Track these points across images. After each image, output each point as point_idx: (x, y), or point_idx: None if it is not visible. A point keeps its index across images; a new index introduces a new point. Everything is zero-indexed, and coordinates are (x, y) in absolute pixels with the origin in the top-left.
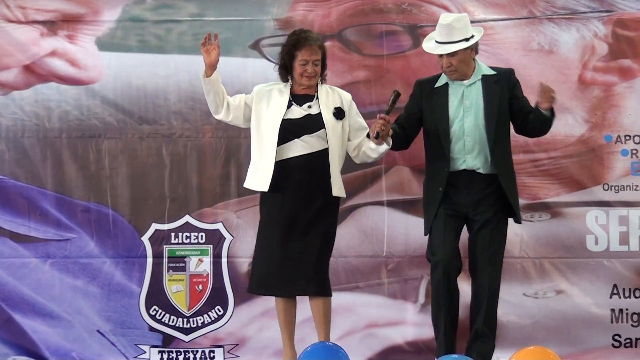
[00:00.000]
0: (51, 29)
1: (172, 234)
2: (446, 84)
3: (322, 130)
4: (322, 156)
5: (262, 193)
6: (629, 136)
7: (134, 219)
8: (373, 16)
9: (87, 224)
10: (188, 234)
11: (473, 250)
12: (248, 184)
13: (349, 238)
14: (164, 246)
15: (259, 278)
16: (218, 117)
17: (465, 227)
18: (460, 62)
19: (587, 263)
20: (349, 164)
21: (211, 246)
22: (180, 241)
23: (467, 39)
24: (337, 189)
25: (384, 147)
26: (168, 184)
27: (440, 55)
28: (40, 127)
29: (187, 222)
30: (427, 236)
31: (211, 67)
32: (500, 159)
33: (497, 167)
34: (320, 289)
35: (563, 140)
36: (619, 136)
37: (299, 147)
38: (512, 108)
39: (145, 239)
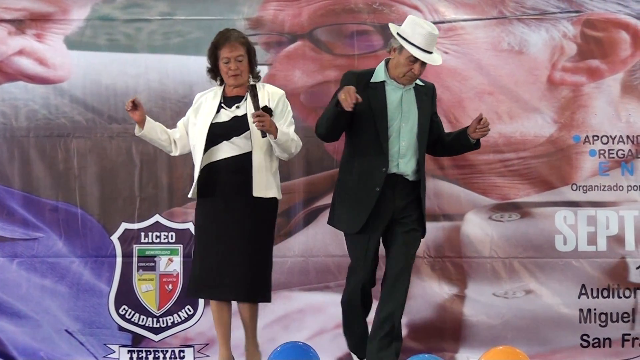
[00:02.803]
0: (19, 28)
1: (142, 234)
2: (383, 82)
3: (248, 131)
4: (248, 158)
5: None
6: (597, 137)
7: (103, 218)
8: (344, 16)
9: (56, 223)
10: (158, 234)
11: (393, 251)
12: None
13: (319, 238)
14: (134, 245)
15: (192, 282)
16: (175, 155)
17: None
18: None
19: (556, 263)
20: (323, 165)
21: (181, 246)
22: (150, 240)
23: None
24: (261, 189)
25: (274, 140)
26: (138, 184)
27: (415, 62)
28: (7, 126)
29: (157, 222)
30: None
31: (141, 123)
32: (422, 169)
33: (420, 177)
34: (247, 295)
35: (532, 140)
36: (587, 136)
37: (227, 149)
38: (431, 124)
39: (114, 238)
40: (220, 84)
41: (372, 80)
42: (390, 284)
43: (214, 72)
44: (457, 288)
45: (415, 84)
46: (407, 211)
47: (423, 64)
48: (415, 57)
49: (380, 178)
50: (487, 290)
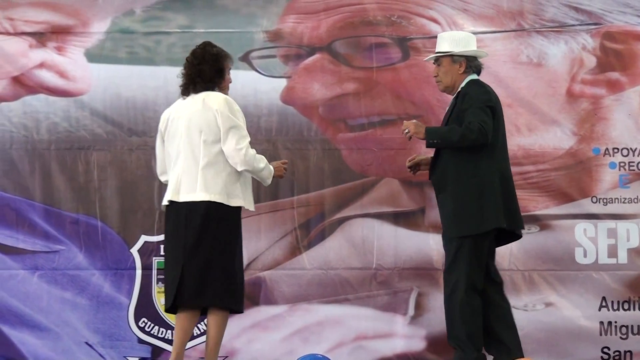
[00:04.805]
0: (40, 41)
1: (162, 246)
2: None
3: None
4: None
5: None
6: (617, 149)
7: (123, 231)
8: (362, 28)
9: (76, 236)
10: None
11: None
12: None
13: (338, 250)
14: (153, 258)
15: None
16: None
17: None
18: (444, 74)
19: (576, 276)
20: (342, 177)
21: None
22: None
23: (449, 51)
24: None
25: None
26: (157, 196)
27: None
28: (28, 138)
29: None
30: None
31: None
32: (438, 177)
33: (434, 186)
34: (198, 302)
35: (552, 152)
36: (607, 149)
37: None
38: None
39: (134, 250)
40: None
41: None
42: None
43: (215, 81)
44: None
45: (457, 91)
46: None
47: (436, 65)
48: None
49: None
50: None
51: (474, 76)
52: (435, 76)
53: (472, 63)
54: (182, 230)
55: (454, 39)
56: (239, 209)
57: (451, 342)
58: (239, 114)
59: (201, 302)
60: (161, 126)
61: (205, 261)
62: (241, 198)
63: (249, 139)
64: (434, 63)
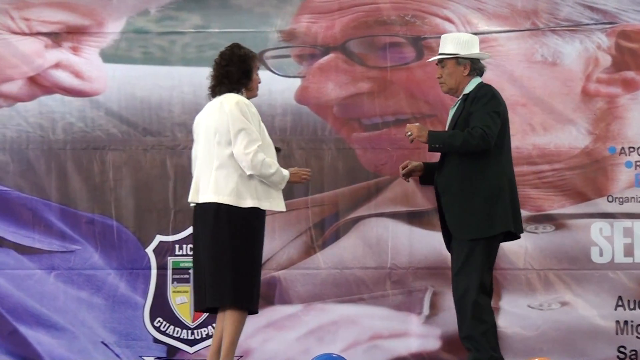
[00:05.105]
0: (55, 41)
1: (177, 246)
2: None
3: None
4: None
5: None
6: (633, 148)
7: (138, 231)
8: (377, 28)
9: (92, 236)
10: (192, 246)
11: None
12: None
13: (353, 249)
14: (168, 258)
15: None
16: None
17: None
18: (448, 76)
19: (592, 275)
20: (356, 177)
21: None
22: (184, 253)
23: (455, 54)
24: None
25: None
26: (172, 196)
27: (438, 67)
28: (44, 138)
29: (191, 234)
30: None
31: None
32: (444, 179)
33: (439, 187)
34: (213, 301)
35: (567, 152)
36: (622, 148)
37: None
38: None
39: (149, 250)
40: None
41: None
42: None
43: (242, 82)
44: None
45: (464, 94)
46: None
47: (439, 66)
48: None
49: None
50: (521, 302)
51: (478, 79)
52: (438, 77)
53: (476, 65)
54: (201, 231)
55: (459, 41)
56: (252, 210)
57: (465, 343)
58: (251, 116)
59: (214, 302)
60: (193, 128)
61: (217, 262)
62: (255, 199)
63: (259, 143)
64: (437, 64)
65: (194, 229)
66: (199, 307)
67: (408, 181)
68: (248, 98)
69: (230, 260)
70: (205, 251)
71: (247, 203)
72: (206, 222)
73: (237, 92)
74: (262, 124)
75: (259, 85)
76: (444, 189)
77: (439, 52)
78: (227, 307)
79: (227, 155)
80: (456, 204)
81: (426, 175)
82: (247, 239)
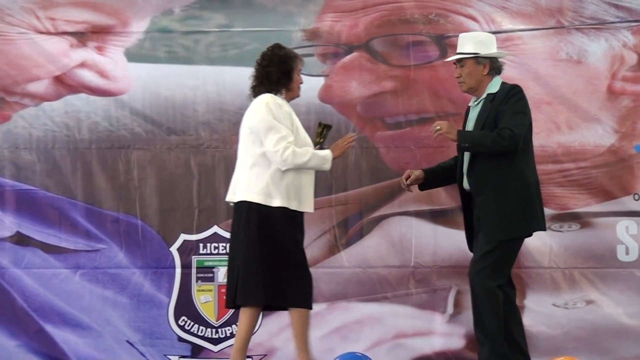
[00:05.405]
0: (81, 40)
1: (201, 245)
2: (469, 107)
3: None
4: None
5: None
6: None
7: (162, 230)
8: (400, 27)
9: (117, 235)
10: (216, 245)
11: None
12: None
13: (376, 248)
14: (193, 257)
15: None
16: None
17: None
18: (468, 75)
19: (618, 273)
20: (379, 175)
21: None
22: (208, 251)
23: (475, 53)
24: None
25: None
26: (196, 195)
27: (456, 68)
28: (70, 138)
29: (215, 233)
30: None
31: None
32: (477, 178)
33: (472, 187)
34: (241, 299)
35: (592, 150)
36: None
37: None
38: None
39: (173, 249)
40: (274, 94)
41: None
42: None
43: (282, 82)
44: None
45: (488, 93)
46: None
47: (459, 65)
48: (455, 65)
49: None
50: (546, 301)
51: (498, 78)
52: (457, 77)
53: (495, 64)
54: (235, 229)
55: (478, 40)
56: (281, 209)
57: (480, 335)
58: (283, 115)
59: (241, 300)
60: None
61: (247, 260)
62: (285, 199)
63: (289, 139)
64: (455, 64)
65: (231, 227)
66: (227, 304)
67: (411, 191)
68: (289, 99)
69: (259, 258)
70: (237, 249)
71: (276, 202)
72: (239, 220)
73: (277, 93)
74: (298, 122)
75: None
76: (477, 189)
77: (458, 51)
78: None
79: (259, 154)
80: (493, 203)
81: (427, 182)
82: (275, 237)
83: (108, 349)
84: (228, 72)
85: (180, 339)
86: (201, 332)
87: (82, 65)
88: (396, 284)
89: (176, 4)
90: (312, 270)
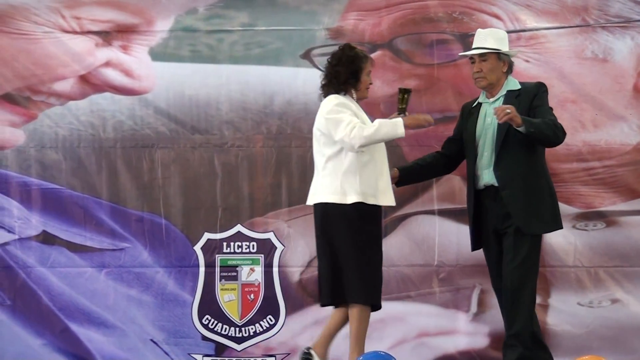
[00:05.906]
0: (106, 40)
1: (224, 244)
2: (479, 104)
3: None
4: None
5: None
6: None
7: (186, 229)
8: (424, 25)
9: (141, 234)
10: (240, 244)
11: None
12: None
13: (400, 247)
14: (216, 255)
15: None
16: None
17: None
18: (490, 71)
19: None
20: None
21: (262, 255)
22: (232, 250)
23: (498, 49)
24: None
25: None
26: (220, 194)
27: (473, 62)
28: (95, 137)
29: (238, 232)
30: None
31: None
32: (505, 172)
33: (500, 180)
34: (326, 299)
35: (618, 148)
36: None
37: None
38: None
39: (197, 248)
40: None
41: (473, 106)
42: None
43: (350, 82)
44: (540, 297)
45: (508, 90)
46: (508, 218)
47: (480, 60)
48: (471, 60)
49: (471, 196)
50: (571, 300)
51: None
52: (477, 72)
53: (511, 63)
54: (318, 232)
55: (499, 37)
56: (357, 205)
57: (512, 340)
58: (342, 107)
59: (323, 299)
60: None
61: (328, 260)
62: (360, 194)
63: (353, 122)
64: (471, 60)
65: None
66: (322, 302)
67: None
68: (358, 99)
69: (343, 257)
70: (319, 249)
71: (351, 199)
72: (317, 222)
73: (345, 93)
74: (363, 113)
75: (306, 82)
76: (504, 183)
77: (479, 45)
78: (350, 303)
79: (330, 155)
80: (524, 198)
81: (402, 179)
82: (354, 234)
83: (132, 347)
84: (252, 71)
85: (204, 338)
86: (225, 330)
87: (107, 64)
88: (419, 283)
89: (200, 2)
90: None
